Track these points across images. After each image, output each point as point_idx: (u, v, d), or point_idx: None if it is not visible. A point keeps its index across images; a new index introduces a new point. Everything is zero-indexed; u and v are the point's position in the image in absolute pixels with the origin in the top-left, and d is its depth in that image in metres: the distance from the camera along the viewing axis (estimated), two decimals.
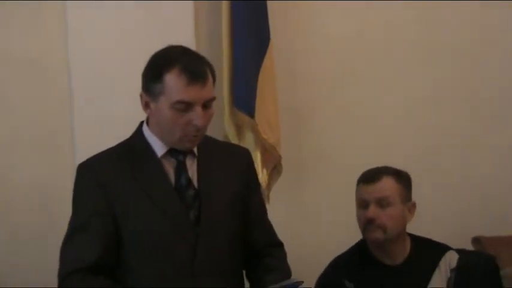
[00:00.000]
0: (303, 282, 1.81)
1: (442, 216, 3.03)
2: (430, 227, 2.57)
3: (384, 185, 2.21)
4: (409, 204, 2.24)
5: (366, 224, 2.19)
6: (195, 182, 1.83)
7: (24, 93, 2.65)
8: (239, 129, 2.70)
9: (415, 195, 2.44)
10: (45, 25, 2.69)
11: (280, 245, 2.02)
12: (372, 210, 2.17)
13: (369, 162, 2.37)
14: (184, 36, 2.52)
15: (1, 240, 2.61)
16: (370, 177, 2.25)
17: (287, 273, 1.94)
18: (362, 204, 2.21)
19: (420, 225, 2.39)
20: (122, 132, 1.91)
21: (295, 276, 1.89)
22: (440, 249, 2.31)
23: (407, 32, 3.12)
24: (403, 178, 2.27)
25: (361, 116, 3.07)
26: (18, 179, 2.63)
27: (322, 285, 2.25)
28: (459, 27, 3.19)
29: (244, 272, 1.97)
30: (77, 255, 1.77)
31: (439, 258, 2.27)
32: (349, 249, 2.34)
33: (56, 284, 1.81)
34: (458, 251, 2.39)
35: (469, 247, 2.83)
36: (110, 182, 1.81)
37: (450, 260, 2.27)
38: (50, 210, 2.57)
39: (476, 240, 2.88)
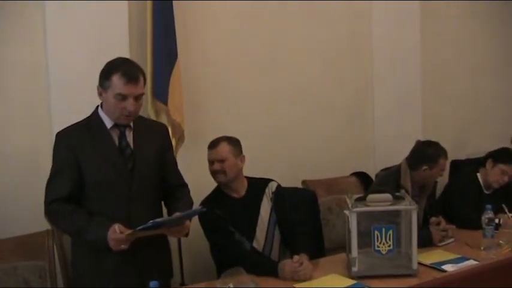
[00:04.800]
0: (205, 209, 2.43)
1: (285, 165, 3.69)
2: (281, 174, 3.22)
3: (220, 149, 2.79)
4: (240, 156, 2.82)
5: (214, 173, 2.80)
6: (131, 145, 2.34)
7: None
8: (157, 112, 3.19)
9: (269, 153, 3.29)
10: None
11: (185, 185, 2.55)
12: (215, 165, 2.78)
13: (241, 133, 2.93)
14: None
15: None
16: (212, 144, 2.81)
17: (190, 202, 2.48)
18: (210, 162, 2.80)
19: (277, 172, 3.14)
20: (87, 114, 2.40)
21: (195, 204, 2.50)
22: (265, 181, 2.91)
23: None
24: (232, 141, 2.82)
25: (238, 104, 3.69)
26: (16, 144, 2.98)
27: (205, 215, 2.68)
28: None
29: (162, 202, 2.49)
30: (55, 190, 2.27)
31: (265, 187, 2.87)
32: (211, 192, 2.87)
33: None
34: (289, 188, 2.97)
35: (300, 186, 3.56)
36: (77, 143, 2.29)
37: (271, 187, 2.88)
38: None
39: (304, 182, 3.60)
